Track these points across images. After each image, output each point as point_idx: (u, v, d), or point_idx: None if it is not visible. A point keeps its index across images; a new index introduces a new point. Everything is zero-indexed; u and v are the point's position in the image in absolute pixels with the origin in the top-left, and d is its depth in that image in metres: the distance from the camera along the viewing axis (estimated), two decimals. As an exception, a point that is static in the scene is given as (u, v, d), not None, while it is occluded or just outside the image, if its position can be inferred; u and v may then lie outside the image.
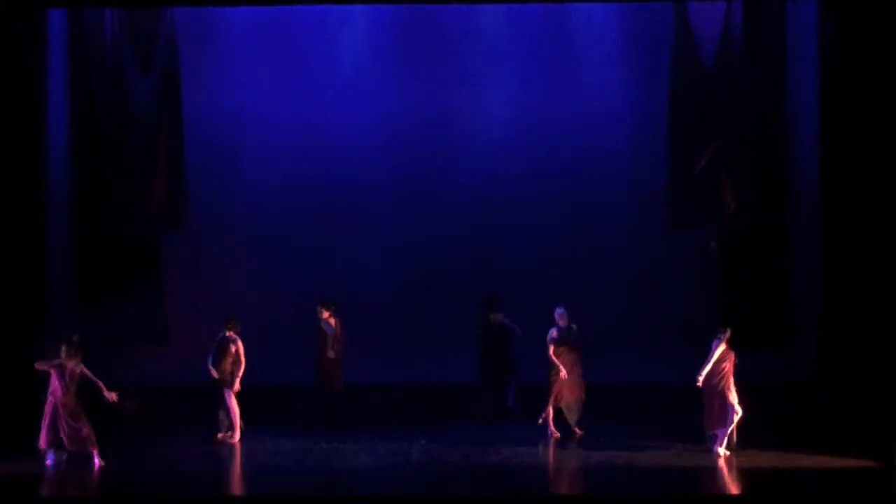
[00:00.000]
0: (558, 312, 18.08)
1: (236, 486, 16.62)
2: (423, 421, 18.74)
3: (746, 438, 17.15)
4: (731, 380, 16.97)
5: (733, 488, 16.03)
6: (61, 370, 16.46)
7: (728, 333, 17.00)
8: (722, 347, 16.95)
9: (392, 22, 20.79)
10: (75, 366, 16.47)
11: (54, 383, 16.50)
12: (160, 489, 15.71)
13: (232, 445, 17.86)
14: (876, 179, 17.91)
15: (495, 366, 19.27)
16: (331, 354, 18.57)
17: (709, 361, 16.88)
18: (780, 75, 19.57)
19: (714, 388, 16.93)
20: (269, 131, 20.91)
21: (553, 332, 18.03)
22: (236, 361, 17.93)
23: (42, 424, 16.55)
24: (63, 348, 16.47)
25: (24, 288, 18.96)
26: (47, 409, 16.55)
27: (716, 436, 17.00)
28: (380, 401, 19.37)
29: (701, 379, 16.84)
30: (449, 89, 20.96)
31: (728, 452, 16.91)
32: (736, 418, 16.96)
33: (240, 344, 17.96)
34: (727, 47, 19.42)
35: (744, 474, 16.30)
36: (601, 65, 20.89)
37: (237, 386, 17.93)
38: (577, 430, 18.07)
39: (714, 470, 16.49)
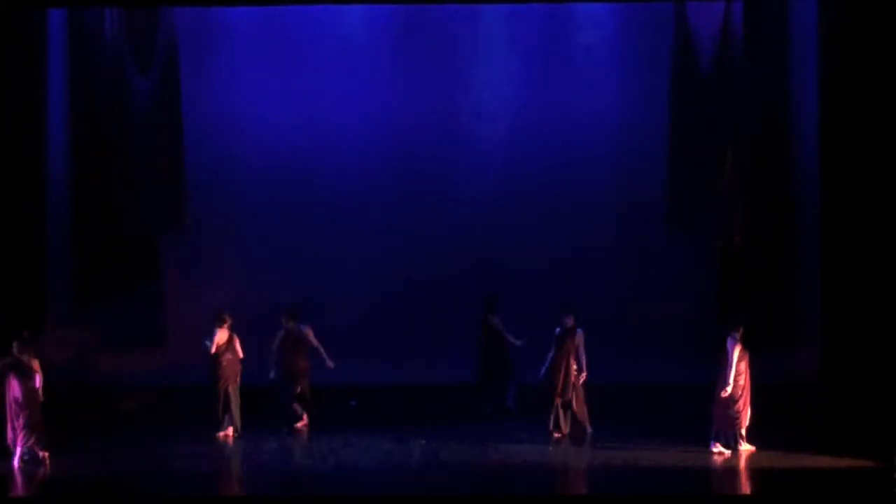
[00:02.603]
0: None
1: (236, 486, 16.62)
2: (423, 421, 18.73)
3: (748, 438, 17.12)
4: (749, 379, 16.92)
5: (734, 488, 16.02)
6: (17, 365, 16.49)
7: (741, 331, 16.88)
8: (738, 347, 16.88)
9: (392, 22, 20.76)
10: (29, 360, 16.55)
11: (11, 381, 16.56)
12: (160, 489, 15.71)
13: (232, 444, 17.88)
14: (878, 179, 17.91)
15: (495, 366, 19.27)
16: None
17: (731, 366, 16.74)
18: (780, 75, 19.52)
19: (733, 388, 16.86)
20: (269, 131, 20.88)
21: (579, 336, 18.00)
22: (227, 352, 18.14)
23: (16, 426, 16.61)
24: (14, 344, 16.56)
25: (23, 288, 18.96)
26: (15, 410, 16.63)
27: (723, 434, 16.96)
28: (380, 401, 19.38)
29: (729, 388, 16.72)
30: (449, 90, 20.94)
31: (728, 452, 16.90)
32: (746, 418, 16.94)
33: (218, 335, 18.08)
34: (727, 47, 19.35)
35: (744, 474, 16.30)
36: (601, 65, 20.86)
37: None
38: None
39: (714, 470, 16.48)
